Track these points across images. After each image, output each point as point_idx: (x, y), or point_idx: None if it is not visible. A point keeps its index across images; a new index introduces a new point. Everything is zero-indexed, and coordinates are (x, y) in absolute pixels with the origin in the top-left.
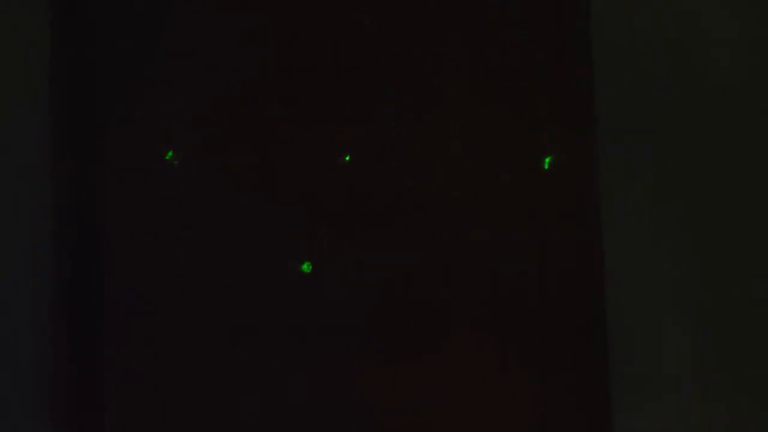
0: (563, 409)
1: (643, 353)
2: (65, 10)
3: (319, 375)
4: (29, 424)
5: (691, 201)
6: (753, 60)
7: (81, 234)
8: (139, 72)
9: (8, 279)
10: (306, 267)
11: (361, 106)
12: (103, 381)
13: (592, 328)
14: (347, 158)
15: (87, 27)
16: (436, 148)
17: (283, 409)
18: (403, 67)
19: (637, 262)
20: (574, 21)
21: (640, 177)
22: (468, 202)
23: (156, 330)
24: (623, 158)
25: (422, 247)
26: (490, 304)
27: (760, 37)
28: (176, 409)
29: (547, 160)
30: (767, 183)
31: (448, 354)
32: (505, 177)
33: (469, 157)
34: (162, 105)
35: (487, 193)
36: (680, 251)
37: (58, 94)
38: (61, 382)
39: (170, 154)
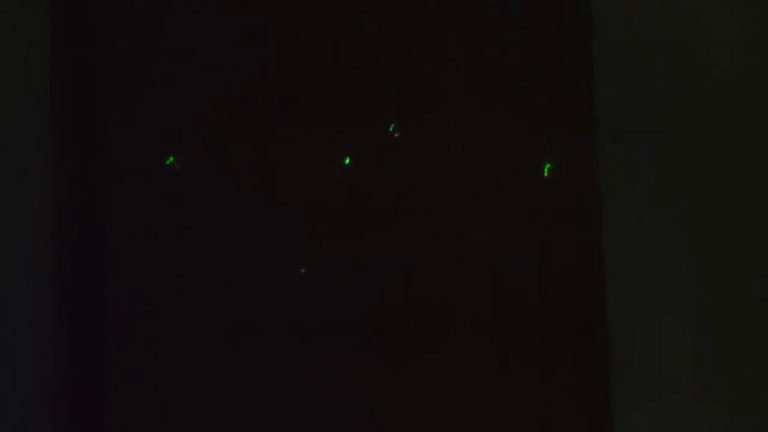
0: (563, 409)
1: (643, 353)
2: (65, 10)
3: (319, 375)
4: (29, 424)
5: (691, 201)
6: (753, 60)
7: (81, 234)
8: (139, 72)
9: (8, 279)
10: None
11: (361, 106)
12: (103, 381)
13: (592, 328)
14: (347, 161)
15: (87, 27)
16: (436, 148)
17: (283, 409)
18: (403, 67)
19: (637, 262)
20: (574, 21)
21: (640, 177)
22: (468, 202)
23: (156, 330)
24: (623, 158)
25: (422, 247)
26: (490, 304)
27: (760, 37)
28: (176, 409)
29: (547, 167)
30: (767, 183)
31: (448, 354)
32: (505, 177)
33: (469, 157)
34: (162, 105)
35: (487, 193)
36: (680, 251)
37: (58, 94)
38: (61, 382)
39: (171, 159)
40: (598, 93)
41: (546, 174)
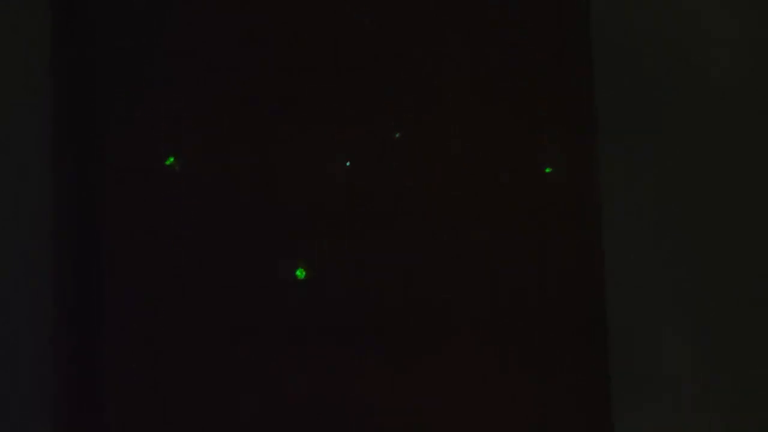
0: (563, 409)
1: (643, 353)
2: (65, 10)
3: (319, 375)
4: (29, 424)
5: (691, 201)
6: (753, 60)
7: (81, 234)
8: (139, 72)
9: (8, 279)
10: (300, 273)
11: (361, 106)
12: (103, 381)
13: (592, 328)
14: (348, 164)
15: (87, 27)
16: (436, 148)
17: (283, 409)
18: (403, 67)
19: (637, 262)
20: (574, 21)
21: (640, 177)
22: (468, 202)
23: (156, 330)
24: (623, 158)
25: (422, 247)
26: (490, 304)
27: (760, 37)
28: (176, 409)
29: (548, 171)
30: (767, 183)
31: (448, 354)
32: (505, 177)
33: (469, 157)
34: (162, 105)
35: (487, 193)
36: (680, 251)
37: (58, 94)
38: (61, 382)
39: (171, 160)
40: (598, 93)
41: (548, 170)
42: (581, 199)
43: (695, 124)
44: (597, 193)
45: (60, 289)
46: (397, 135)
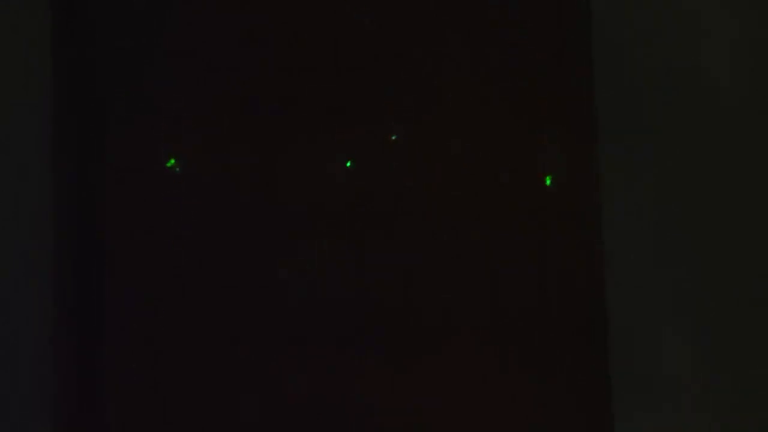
0: (563, 409)
1: (643, 353)
2: (65, 10)
3: (319, 375)
4: (29, 424)
5: (691, 201)
6: (753, 60)
7: (81, 234)
8: (139, 72)
9: (8, 279)
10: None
11: (361, 106)
12: (103, 381)
13: (592, 328)
14: (348, 164)
15: (87, 27)
16: (436, 148)
17: (283, 409)
18: (403, 67)
19: (637, 262)
20: (574, 21)
21: (640, 177)
22: (468, 203)
23: (156, 330)
24: (623, 158)
25: (422, 247)
26: (490, 304)
27: (760, 37)
28: (176, 409)
29: (549, 179)
30: (767, 183)
31: (448, 354)
32: (505, 177)
33: (469, 157)
34: (162, 105)
35: (487, 193)
36: (680, 251)
37: (59, 94)
38: (61, 382)
39: (172, 162)
40: (598, 93)
41: (549, 183)
42: (581, 199)
43: (695, 124)
44: (597, 193)
45: (60, 289)
46: (395, 137)
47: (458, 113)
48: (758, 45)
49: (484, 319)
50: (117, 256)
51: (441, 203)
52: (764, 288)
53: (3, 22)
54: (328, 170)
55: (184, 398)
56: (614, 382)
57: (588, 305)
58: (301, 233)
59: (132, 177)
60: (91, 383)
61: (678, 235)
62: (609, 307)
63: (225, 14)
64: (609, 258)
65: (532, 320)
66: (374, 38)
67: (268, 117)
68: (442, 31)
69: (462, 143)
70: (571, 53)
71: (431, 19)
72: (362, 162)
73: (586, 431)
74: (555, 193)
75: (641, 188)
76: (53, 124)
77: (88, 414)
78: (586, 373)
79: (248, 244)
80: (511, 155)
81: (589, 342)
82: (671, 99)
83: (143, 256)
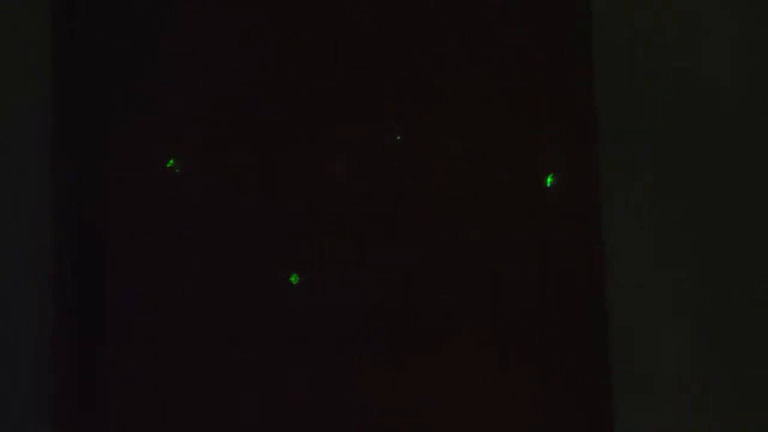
0: (563, 409)
1: (643, 353)
2: (65, 10)
3: (319, 375)
4: (29, 424)
5: (691, 201)
6: (753, 60)
7: (81, 234)
8: (139, 72)
9: (8, 279)
10: (293, 279)
11: (361, 106)
12: (103, 381)
13: (592, 328)
14: (397, 139)
15: (87, 27)
16: (436, 148)
17: (283, 409)
18: (403, 67)
19: (637, 262)
20: (574, 21)
21: (640, 177)
22: (468, 203)
23: (156, 330)
24: (623, 158)
25: (422, 247)
26: (490, 304)
27: (760, 37)
28: (176, 409)
29: (549, 178)
30: (767, 183)
31: (448, 354)
32: (505, 177)
33: (469, 157)
34: (162, 105)
35: (487, 193)
36: (680, 251)
37: (59, 94)
38: (61, 382)
39: (171, 162)
40: (598, 93)
41: (549, 184)
42: (581, 199)
43: (695, 124)
44: (597, 193)
45: (60, 289)
46: (398, 137)
47: (458, 113)
48: (758, 45)
49: (484, 319)
50: (117, 256)
51: (441, 203)
52: (764, 288)
53: (3, 22)
54: (328, 170)
55: (184, 398)
56: (614, 382)
57: (588, 305)
58: (301, 233)
59: (132, 177)
60: (91, 383)
61: (678, 235)
62: (609, 307)
63: (225, 14)
64: (609, 258)
65: (532, 320)
66: (374, 38)
67: (268, 117)
68: (442, 31)
69: (462, 143)
70: (571, 53)
71: (431, 19)
72: (362, 162)
73: (586, 431)
74: (555, 193)
75: (641, 188)
76: (53, 124)
77: (88, 414)
78: (586, 373)
79: (248, 244)
80: (511, 155)
81: (589, 342)
82: (671, 99)
83: (143, 256)
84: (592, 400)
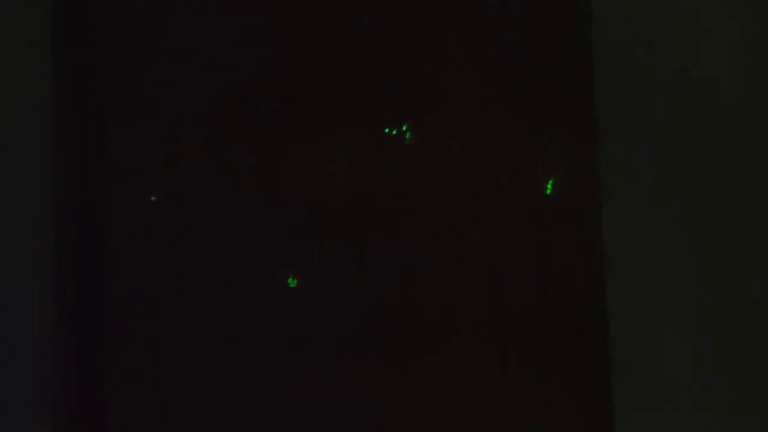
0: (563, 409)
1: (643, 353)
2: (65, 10)
3: (319, 375)
4: (29, 424)
5: (691, 201)
6: (753, 60)
7: (81, 234)
8: (139, 72)
9: (8, 279)
10: (291, 282)
11: (361, 106)
12: (103, 381)
13: (592, 328)
14: (407, 135)
15: (87, 27)
16: (436, 148)
17: (283, 409)
18: (403, 67)
19: (637, 262)
20: (574, 21)
21: (640, 177)
22: (468, 202)
23: (156, 330)
24: (623, 158)
25: (422, 247)
26: (490, 305)
27: (760, 37)
28: (176, 409)
29: (549, 184)
30: (767, 183)
31: (448, 354)
32: (505, 177)
33: (469, 157)
34: (162, 105)
35: (487, 193)
36: (680, 251)
37: (59, 94)
38: (61, 382)
39: (171, 162)
40: (598, 93)
41: (549, 190)
42: (581, 199)
43: (695, 125)
44: (597, 193)
45: (60, 289)
46: (408, 135)
47: (458, 113)
48: (758, 45)
49: (484, 319)
50: (117, 256)
51: (441, 203)
52: (764, 288)
53: (3, 22)
54: (328, 170)
55: (184, 398)
56: (614, 382)
57: (588, 305)
58: (301, 233)
59: (132, 177)
60: (91, 383)
61: (678, 235)
62: (609, 307)
63: (225, 14)
64: (609, 258)
65: (532, 320)
66: (374, 38)
67: (268, 117)
68: (442, 31)
69: (462, 143)
70: (571, 53)
71: (431, 19)
72: (362, 162)
73: (586, 431)
74: (555, 193)
75: (641, 188)
76: (53, 124)
77: (88, 414)
78: (586, 373)
79: (248, 244)
80: (511, 155)
81: (589, 342)
82: (671, 99)
83: (143, 256)
84: (592, 400)
